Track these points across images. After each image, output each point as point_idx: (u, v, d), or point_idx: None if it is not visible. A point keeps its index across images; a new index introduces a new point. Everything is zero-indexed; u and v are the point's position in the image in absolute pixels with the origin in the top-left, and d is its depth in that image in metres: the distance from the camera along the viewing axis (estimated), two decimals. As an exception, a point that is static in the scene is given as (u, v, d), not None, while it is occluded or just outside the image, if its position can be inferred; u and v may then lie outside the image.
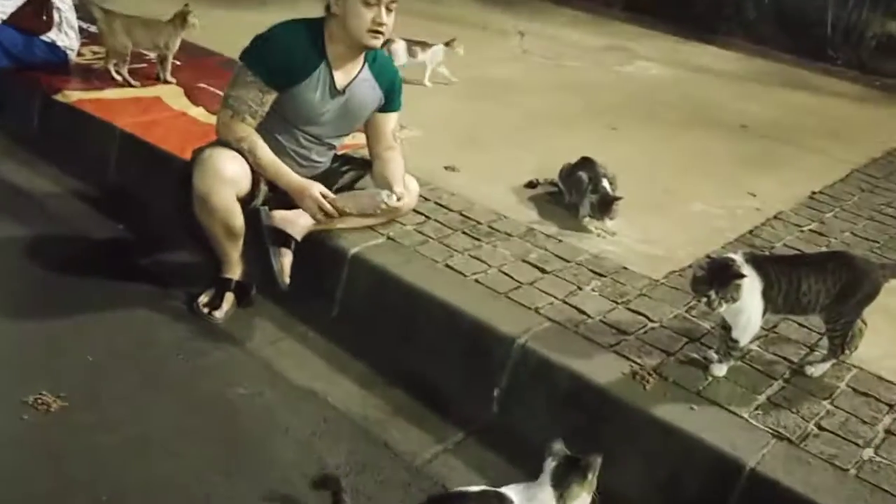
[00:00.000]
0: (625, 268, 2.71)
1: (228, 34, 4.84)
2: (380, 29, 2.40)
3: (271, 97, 2.44)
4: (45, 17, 3.61)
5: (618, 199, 2.92)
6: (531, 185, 3.30)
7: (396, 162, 2.63)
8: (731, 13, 6.98)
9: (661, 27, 6.76)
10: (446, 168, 3.36)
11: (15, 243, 2.78)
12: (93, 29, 3.90)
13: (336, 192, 2.68)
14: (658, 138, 4.14)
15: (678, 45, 6.38)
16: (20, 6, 3.52)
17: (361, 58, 2.54)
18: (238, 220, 2.47)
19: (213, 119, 3.38)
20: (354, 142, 2.98)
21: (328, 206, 2.43)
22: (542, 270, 2.62)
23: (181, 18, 3.75)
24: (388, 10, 2.40)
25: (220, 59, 4.16)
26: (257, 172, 2.48)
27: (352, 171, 2.75)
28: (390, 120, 2.69)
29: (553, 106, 4.45)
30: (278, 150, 2.52)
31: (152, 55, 3.81)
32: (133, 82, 3.68)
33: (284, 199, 2.59)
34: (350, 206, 2.50)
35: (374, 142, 2.68)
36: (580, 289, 2.54)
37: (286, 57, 2.41)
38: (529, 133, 3.98)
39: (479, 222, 2.91)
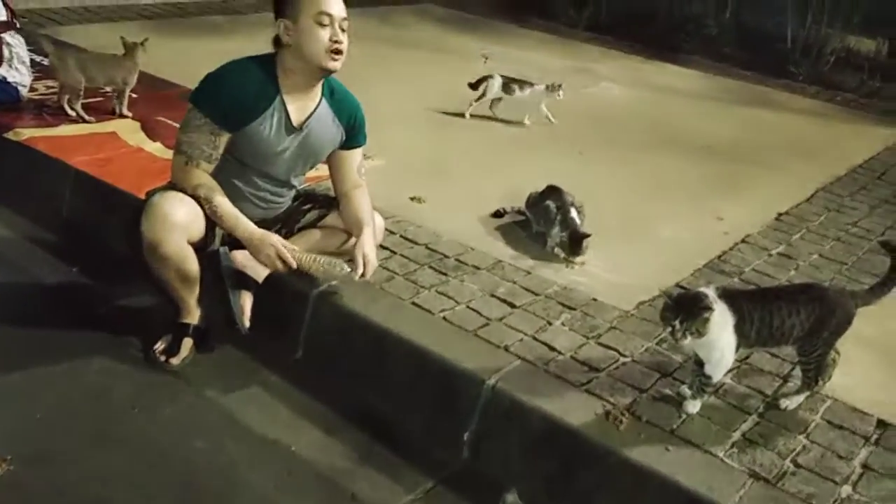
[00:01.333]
0: (594, 299, 2.67)
1: (192, 64, 4.70)
2: (338, 47, 2.32)
3: (224, 138, 2.35)
4: (-6, 54, 3.50)
5: (586, 236, 2.88)
6: (498, 214, 3.26)
7: (363, 201, 2.54)
8: (692, 30, 7.04)
9: (624, 47, 6.80)
10: (412, 199, 3.31)
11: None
12: (46, 62, 3.80)
13: (298, 230, 2.61)
14: (624, 161, 4.13)
15: (641, 64, 6.42)
16: (-33, 44, 3.41)
17: (318, 92, 2.45)
18: (192, 265, 2.37)
19: (170, 154, 3.30)
20: (317, 174, 2.91)
21: (287, 256, 2.33)
22: (511, 305, 2.57)
23: (137, 50, 3.67)
24: (342, 29, 2.33)
25: (180, 91, 4.06)
26: (210, 230, 2.40)
27: (314, 209, 2.65)
28: (355, 156, 2.60)
29: (518, 131, 4.43)
30: (235, 194, 2.43)
31: (108, 89, 3.71)
32: (87, 118, 3.58)
33: None
34: (310, 265, 2.39)
35: (339, 180, 2.59)
36: (550, 324, 2.49)
37: (236, 95, 2.32)
38: (495, 159, 3.94)
39: (445, 256, 2.85)
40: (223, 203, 2.34)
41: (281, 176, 2.52)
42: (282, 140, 2.42)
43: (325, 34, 2.30)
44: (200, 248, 2.41)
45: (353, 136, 2.56)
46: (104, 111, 3.70)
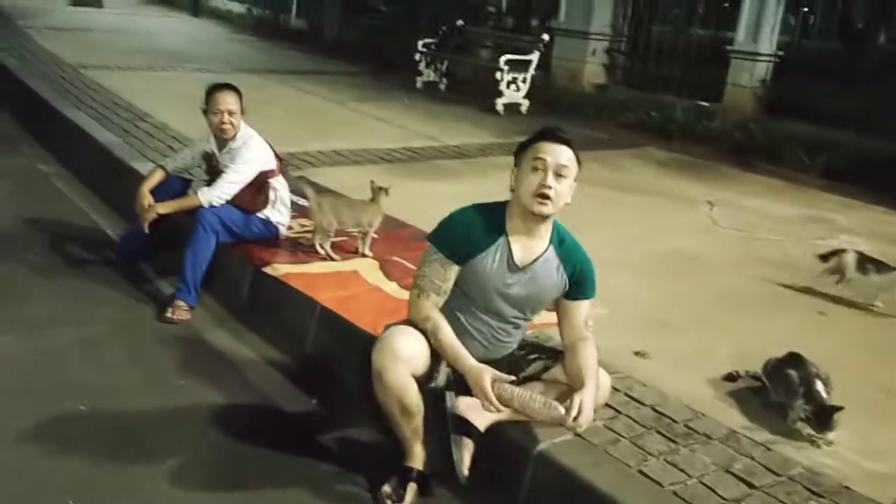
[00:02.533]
0: (846, 487, 2.40)
1: (426, 206, 5.05)
2: (545, 192, 2.41)
3: (453, 271, 2.50)
4: (262, 197, 3.96)
5: (838, 409, 2.63)
6: (731, 377, 3.07)
7: (587, 354, 2.52)
8: (945, 181, 6.46)
9: (864, 196, 6.35)
10: (636, 353, 3.22)
11: (211, 410, 2.96)
12: (302, 202, 4.23)
13: (522, 379, 2.61)
14: (873, 327, 3.77)
15: (885, 216, 5.95)
16: (242, 189, 3.88)
17: (546, 237, 2.55)
18: (413, 398, 2.47)
19: (404, 294, 3.49)
20: (543, 321, 2.93)
21: (494, 401, 2.35)
22: (750, 485, 2.37)
23: (381, 196, 3.99)
24: (560, 175, 2.43)
25: (414, 231, 4.34)
26: (436, 365, 2.51)
27: (539, 360, 2.67)
28: (581, 308, 2.62)
29: (749, 285, 4.21)
30: (459, 329, 2.55)
31: (355, 231, 4.04)
32: (335, 256, 3.90)
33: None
34: (525, 402, 2.38)
35: (565, 330, 2.61)
36: (796, 512, 2.25)
37: (465, 230, 2.51)
38: (724, 315, 3.76)
39: (674, 420, 2.72)
40: (448, 334, 2.46)
41: (503, 313, 2.58)
42: (504, 277, 2.52)
43: (535, 179, 2.42)
44: (424, 382, 2.51)
45: (581, 287, 2.59)
46: (348, 250, 4.03)
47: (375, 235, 4.10)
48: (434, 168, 6.09)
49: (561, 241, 2.58)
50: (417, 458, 2.56)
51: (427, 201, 5.08)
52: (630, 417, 2.71)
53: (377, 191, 4.02)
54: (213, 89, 3.91)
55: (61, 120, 6.50)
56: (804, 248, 4.93)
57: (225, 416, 2.94)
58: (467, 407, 2.53)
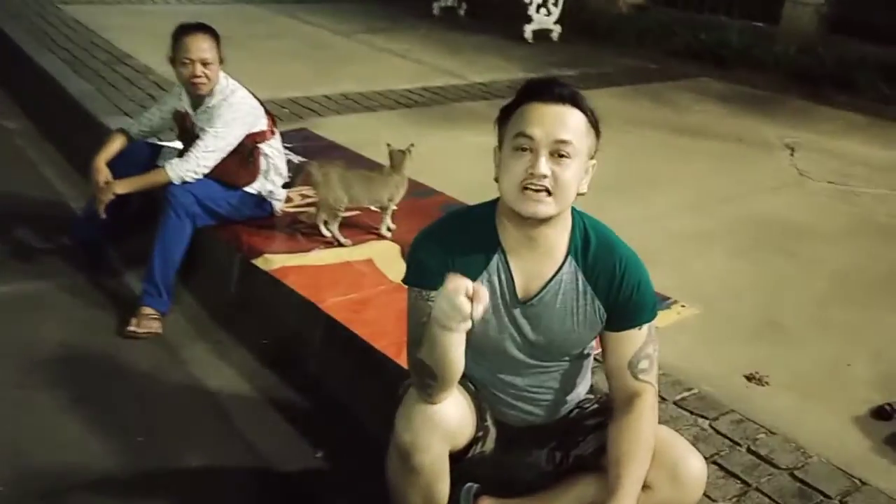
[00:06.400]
0: None
1: (451, 163, 4.20)
2: (535, 183, 1.55)
3: None
4: (250, 167, 3.13)
5: None
6: (883, 413, 2.27)
7: (631, 431, 1.64)
8: None
9: (969, 130, 5.40)
10: (749, 378, 2.41)
11: (183, 475, 2.20)
12: (301, 160, 3.40)
13: (575, 459, 1.79)
14: None
15: None
16: (224, 157, 3.04)
17: (560, 246, 1.66)
18: (444, 488, 1.70)
19: (434, 295, 2.71)
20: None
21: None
22: None
23: (404, 161, 3.14)
24: (560, 155, 1.55)
25: (443, 201, 3.49)
26: (480, 423, 1.76)
27: (601, 427, 1.76)
28: (625, 342, 1.69)
29: (866, 260, 3.35)
30: (492, 402, 1.81)
31: (373, 208, 3.21)
32: (343, 241, 3.07)
33: (500, 473, 1.87)
34: None
35: (608, 374, 1.74)
36: None
37: (442, 257, 1.65)
38: (847, 310, 2.91)
39: (826, 496, 1.92)
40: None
41: (519, 365, 1.75)
42: (501, 315, 1.69)
43: (520, 164, 1.56)
44: (456, 458, 1.73)
45: (624, 311, 1.67)
46: (360, 227, 3.21)
47: (395, 207, 3.26)
48: (459, 112, 5.18)
49: (585, 245, 1.68)
50: None
51: (456, 157, 4.21)
52: (763, 493, 1.92)
53: (397, 155, 3.16)
54: (182, 32, 3.01)
55: (31, 66, 5.63)
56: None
57: (202, 482, 2.18)
58: None
